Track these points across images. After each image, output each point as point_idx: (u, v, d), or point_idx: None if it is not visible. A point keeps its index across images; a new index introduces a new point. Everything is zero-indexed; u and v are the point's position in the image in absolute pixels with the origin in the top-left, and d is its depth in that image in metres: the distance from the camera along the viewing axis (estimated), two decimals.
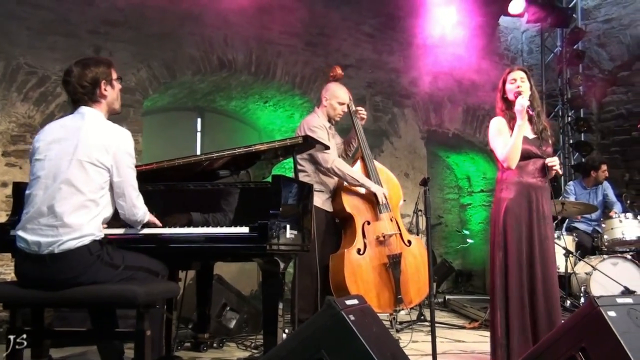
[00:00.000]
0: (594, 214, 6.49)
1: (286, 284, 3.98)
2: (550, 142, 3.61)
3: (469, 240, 8.49)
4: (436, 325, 3.50)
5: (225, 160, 3.52)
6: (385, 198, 4.53)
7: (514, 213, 3.44)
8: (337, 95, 4.60)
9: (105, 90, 2.84)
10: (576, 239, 6.14)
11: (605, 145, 8.45)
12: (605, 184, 6.79)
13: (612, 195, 6.72)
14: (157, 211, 3.04)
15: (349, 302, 2.51)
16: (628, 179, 8.19)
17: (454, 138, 8.06)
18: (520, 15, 7.99)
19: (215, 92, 6.54)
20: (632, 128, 8.13)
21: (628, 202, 6.52)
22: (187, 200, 3.22)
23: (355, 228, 4.47)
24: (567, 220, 6.56)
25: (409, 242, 4.59)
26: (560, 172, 3.62)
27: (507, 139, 3.48)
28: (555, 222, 5.87)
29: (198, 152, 6.45)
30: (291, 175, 3.67)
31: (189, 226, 3.11)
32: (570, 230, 6.41)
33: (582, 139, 8.31)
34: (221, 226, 3.07)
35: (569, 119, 8.42)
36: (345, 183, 4.49)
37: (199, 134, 6.88)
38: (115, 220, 2.89)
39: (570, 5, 8.26)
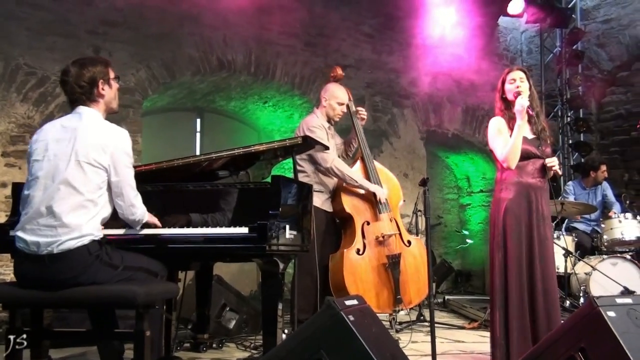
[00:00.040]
0: (594, 214, 6.50)
1: (286, 285, 3.98)
2: (549, 142, 3.61)
3: (469, 241, 8.49)
4: (436, 325, 3.50)
5: (224, 160, 3.52)
6: (385, 198, 4.53)
7: (513, 213, 3.44)
8: (336, 95, 4.60)
9: (103, 89, 2.84)
10: (575, 239, 6.15)
11: (604, 146, 8.46)
12: (605, 184, 6.79)
13: (611, 196, 6.72)
14: (156, 211, 3.04)
15: (348, 303, 2.51)
16: (627, 179, 8.20)
17: (454, 138, 8.06)
18: (519, 16, 7.98)
19: (214, 93, 6.54)
20: (632, 128, 8.13)
21: (627, 202, 6.52)
22: (187, 201, 3.22)
23: (354, 228, 4.46)
24: (567, 220, 6.56)
25: (409, 242, 4.59)
26: (560, 172, 3.62)
27: (506, 139, 3.48)
28: (555, 222, 5.86)
29: (197, 153, 6.45)
30: (290, 175, 3.67)
31: (188, 227, 3.11)
32: (570, 230, 6.41)
33: (582, 139, 8.31)
34: (220, 227, 3.06)
35: (568, 119, 8.41)
36: (344, 183, 4.50)
37: (198, 135, 6.88)
38: (114, 220, 2.89)
39: (569, 6, 8.25)
